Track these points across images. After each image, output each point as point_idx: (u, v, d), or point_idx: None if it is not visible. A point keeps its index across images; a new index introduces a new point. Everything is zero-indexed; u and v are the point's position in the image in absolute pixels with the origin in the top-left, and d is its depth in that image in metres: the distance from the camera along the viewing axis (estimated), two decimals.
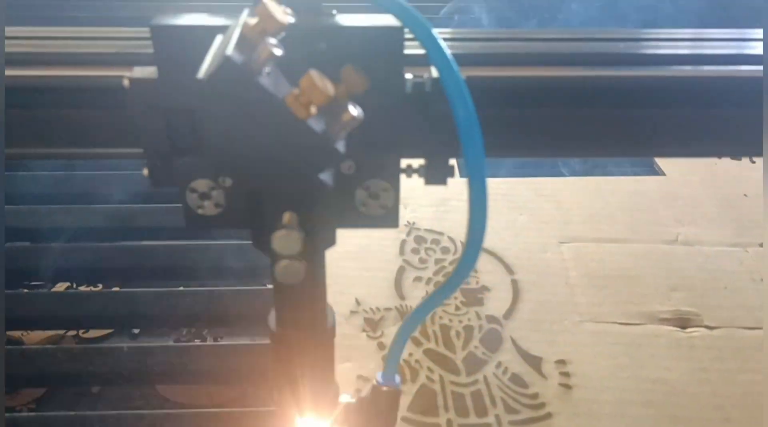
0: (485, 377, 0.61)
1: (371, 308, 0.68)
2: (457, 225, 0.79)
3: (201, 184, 0.33)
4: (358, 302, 0.68)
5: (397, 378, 0.43)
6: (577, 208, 0.82)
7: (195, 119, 0.31)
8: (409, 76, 0.31)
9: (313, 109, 0.27)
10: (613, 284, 0.71)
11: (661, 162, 0.91)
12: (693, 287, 0.71)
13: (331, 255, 0.34)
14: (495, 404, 0.59)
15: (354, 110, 0.28)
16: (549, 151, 0.38)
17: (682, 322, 0.67)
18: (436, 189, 0.85)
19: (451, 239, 0.77)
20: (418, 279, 0.72)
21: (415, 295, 0.69)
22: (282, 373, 0.40)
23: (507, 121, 0.33)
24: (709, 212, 0.82)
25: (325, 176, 0.30)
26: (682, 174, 0.89)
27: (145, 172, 0.33)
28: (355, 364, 0.62)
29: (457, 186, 0.86)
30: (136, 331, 0.77)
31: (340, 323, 0.66)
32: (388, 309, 0.68)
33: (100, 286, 0.80)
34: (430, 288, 0.70)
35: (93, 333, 0.76)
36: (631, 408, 0.58)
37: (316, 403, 0.41)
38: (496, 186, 0.86)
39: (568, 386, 0.60)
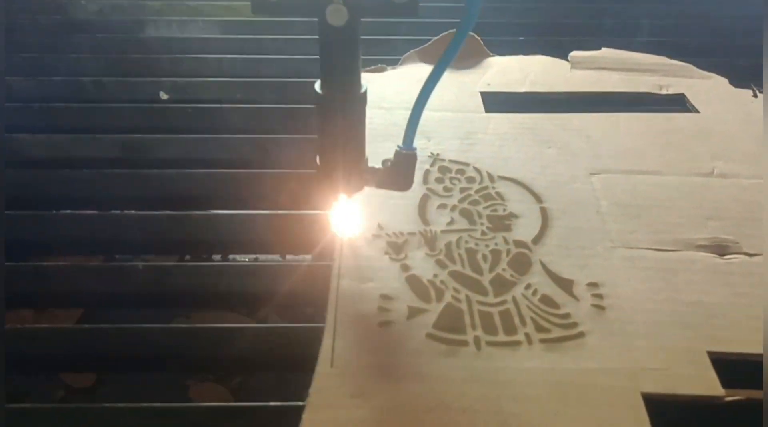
0: (514, 298, 0.58)
1: (394, 233, 0.65)
2: (483, 157, 0.76)
3: None
4: (380, 227, 0.66)
5: (415, 144, 0.54)
6: (606, 143, 0.79)
7: None
8: None
9: None
10: (645, 213, 0.68)
11: (695, 100, 0.88)
12: (729, 217, 0.68)
13: None
14: (525, 324, 0.56)
15: None
16: None
17: (720, 249, 0.64)
18: (461, 123, 0.82)
19: (477, 170, 0.74)
20: (442, 207, 0.69)
21: (441, 220, 0.67)
22: (325, 135, 0.51)
23: None
24: (744, 148, 0.79)
25: None
26: (716, 112, 0.86)
27: None
28: (378, 283, 0.60)
29: (483, 121, 0.83)
30: None
31: (362, 246, 0.64)
32: (412, 234, 0.65)
33: None
34: (456, 215, 0.68)
35: None
36: (667, 329, 0.56)
37: (352, 165, 0.53)
38: (521, 121, 0.83)
39: (601, 308, 0.58)
